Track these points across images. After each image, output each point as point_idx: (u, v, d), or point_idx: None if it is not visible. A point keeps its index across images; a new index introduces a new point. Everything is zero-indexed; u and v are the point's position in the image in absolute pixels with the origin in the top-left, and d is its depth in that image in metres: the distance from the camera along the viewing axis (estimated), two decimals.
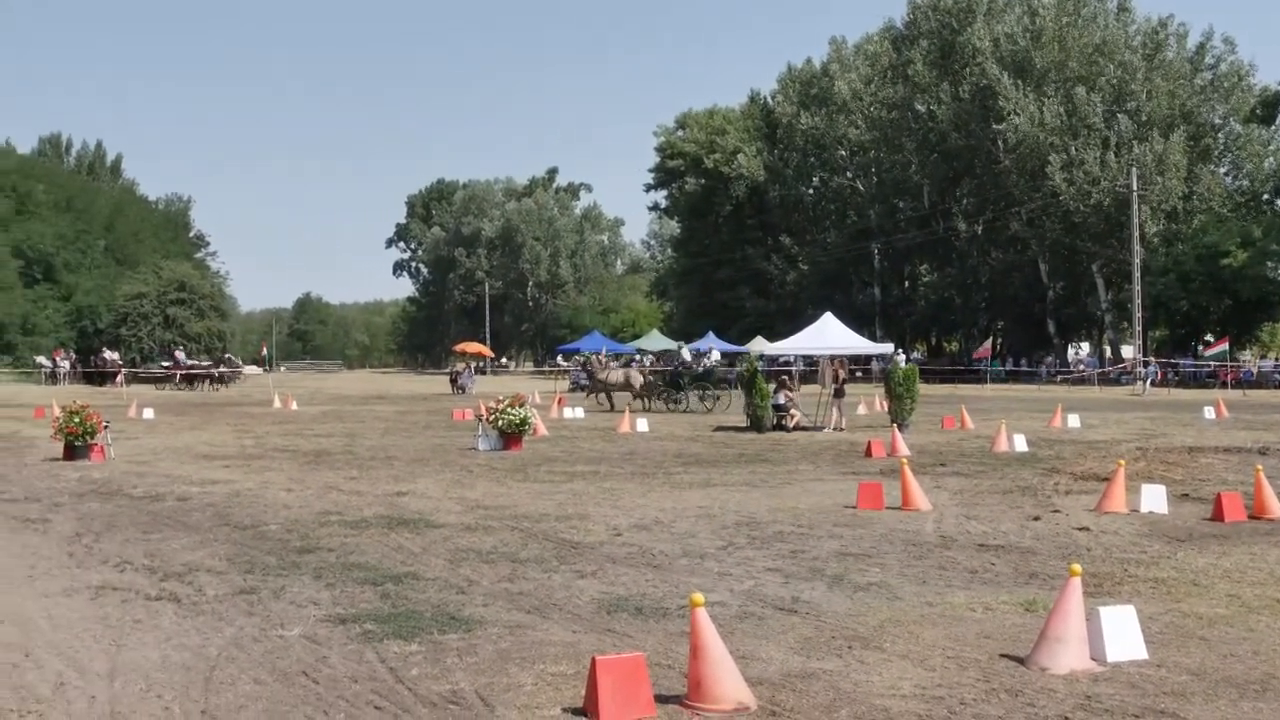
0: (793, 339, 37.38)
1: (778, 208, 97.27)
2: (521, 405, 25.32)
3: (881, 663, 7.93)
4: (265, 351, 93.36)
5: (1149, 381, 63.66)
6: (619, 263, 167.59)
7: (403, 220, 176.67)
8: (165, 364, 73.43)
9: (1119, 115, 75.65)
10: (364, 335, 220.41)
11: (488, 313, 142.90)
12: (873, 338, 66.75)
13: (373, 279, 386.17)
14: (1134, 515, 14.83)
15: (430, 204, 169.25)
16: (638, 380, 43.71)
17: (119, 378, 69.05)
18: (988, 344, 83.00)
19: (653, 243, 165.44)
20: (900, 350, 46.76)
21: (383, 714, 6.91)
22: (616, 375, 44.85)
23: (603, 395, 44.16)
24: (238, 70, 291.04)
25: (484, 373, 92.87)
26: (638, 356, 61.63)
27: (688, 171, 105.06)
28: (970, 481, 19.00)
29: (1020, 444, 24.78)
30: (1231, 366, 65.83)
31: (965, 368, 77.92)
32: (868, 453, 23.82)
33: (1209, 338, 74.47)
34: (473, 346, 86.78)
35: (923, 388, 33.76)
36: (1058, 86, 77.64)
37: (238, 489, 18.19)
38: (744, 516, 14.99)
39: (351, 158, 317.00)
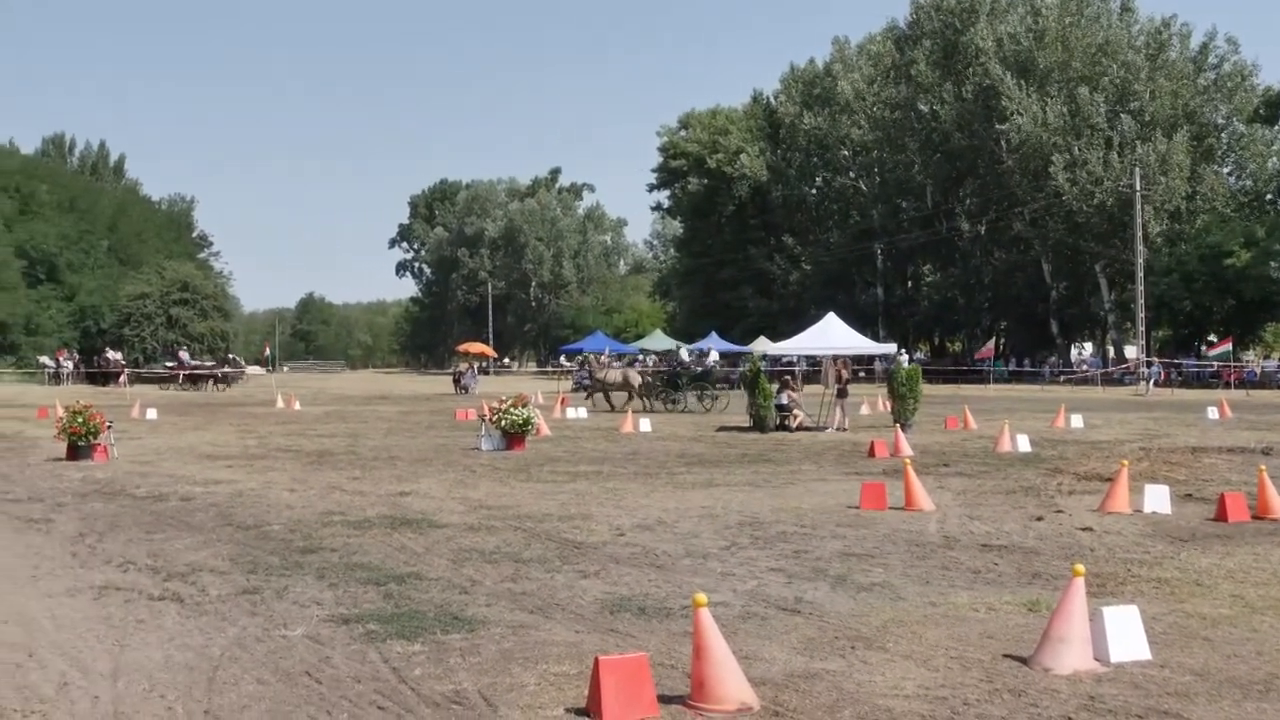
0: (796, 339, 37.38)
1: (781, 208, 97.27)
2: (524, 405, 25.32)
3: (885, 663, 7.92)
4: (268, 352, 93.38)
5: (1152, 382, 63.66)
6: (622, 263, 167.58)
7: (405, 220, 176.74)
8: (170, 364, 73.50)
9: (1122, 115, 75.64)
10: (367, 335, 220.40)
11: (490, 313, 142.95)
12: (876, 338, 66.74)
13: (376, 279, 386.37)
14: (1137, 515, 14.82)
15: (433, 204, 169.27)
16: (636, 380, 43.73)
17: (122, 378, 69.10)
18: (991, 344, 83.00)
19: (655, 243, 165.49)
20: (903, 350, 46.76)
21: (386, 714, 6.91)
22: (615, 375, 44.88)
23: (602, 395, 44.17)
24: (241, 70, 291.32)
25: (487, 373, 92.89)
26: (641, 356, 61.70)
27: (690, 171, 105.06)
28: (973, 482, 18.99)
29: (1023, 444, 24.76)
30: (1235, 367, 65.81)
31: (968, 368, 77.91)
32: (871, 453, 23.81)
33: (1212, 338, 74.47)
34: (476, 347, 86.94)
35: (926, 388, 33.74)
36: (1061, 86, 77.63)
37: (241, 489, 18.20)
38: (747, 516, 14.99)
39: (354, 158, 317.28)
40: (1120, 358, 79.29)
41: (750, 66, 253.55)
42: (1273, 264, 67.99)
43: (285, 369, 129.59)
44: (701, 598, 7.03)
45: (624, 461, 22.81)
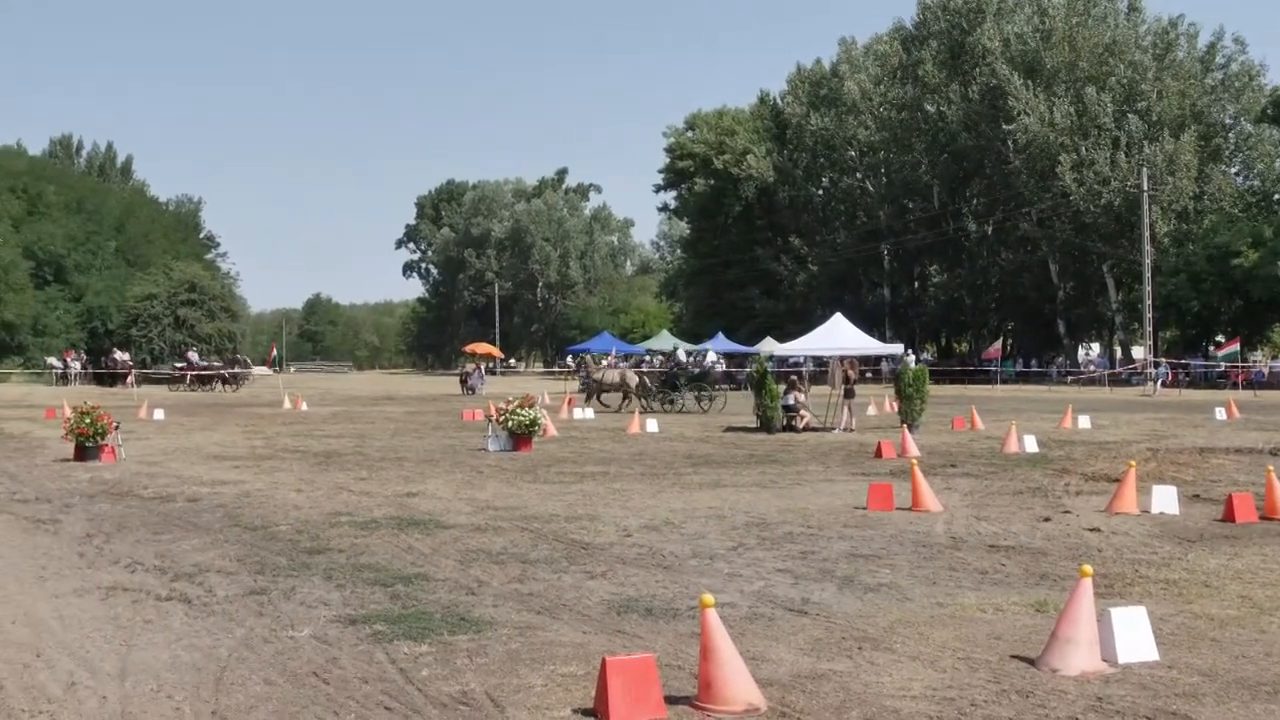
0: (803, 339, 37.37)
1: (787, 208, 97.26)
2: (531, 406, 25.32)
3: (892, 664, 7.92)
4: (275, 352, 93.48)
5: (1159, 382, 63.57)
6: (628, 263, 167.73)
7: (412, 221, 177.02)
8: (179, 365, 73.62)
9: (1129, 115, 75.57)
10: (374, 336, 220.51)
11: (497, 313, 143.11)
12: (882, 338, 66.75)
13: (382, 280, 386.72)
14: (1145, 516, 14.80)
15: (440, 205, 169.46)
16: (633, 380, 43.79)
17: (129, 378, 69.21)
18: (998, 344, 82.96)
19: (662, 243, 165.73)
20: (910, 351, 46.80)
21: (393, 715, 6.91)
22: (612, 376, 44.92)
23: (603, 395, 44.20)
24: (250, 71, 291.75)
25: (494, 374, 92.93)
26: (647, 357, 61.69)
27: (697, 172, 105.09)
28: (980, 482, 18.97)
29: (1030, 445, 24.74)
30: (1242, 367, 65.74)
31: (975, 368, 77.89)
32: (878, 453, 23.79)
33: (1220, 338, 74.38)
34: (482, 347, 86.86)
35: (932, 388, 33.72)
36: (1068, 87, 77.57)
37: (248, 490, 18.21)
38: (754, 517, 14.98)
39: (361, 158, 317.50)
40: (1127, 358, 79.26)
41: (757, 67, 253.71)
42: None
43: (292, 370, 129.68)
44: (709, 598, 7.02)
45: (631, 462, 22.81)
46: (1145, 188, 70.10)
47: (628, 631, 8.90)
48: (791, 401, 31.57)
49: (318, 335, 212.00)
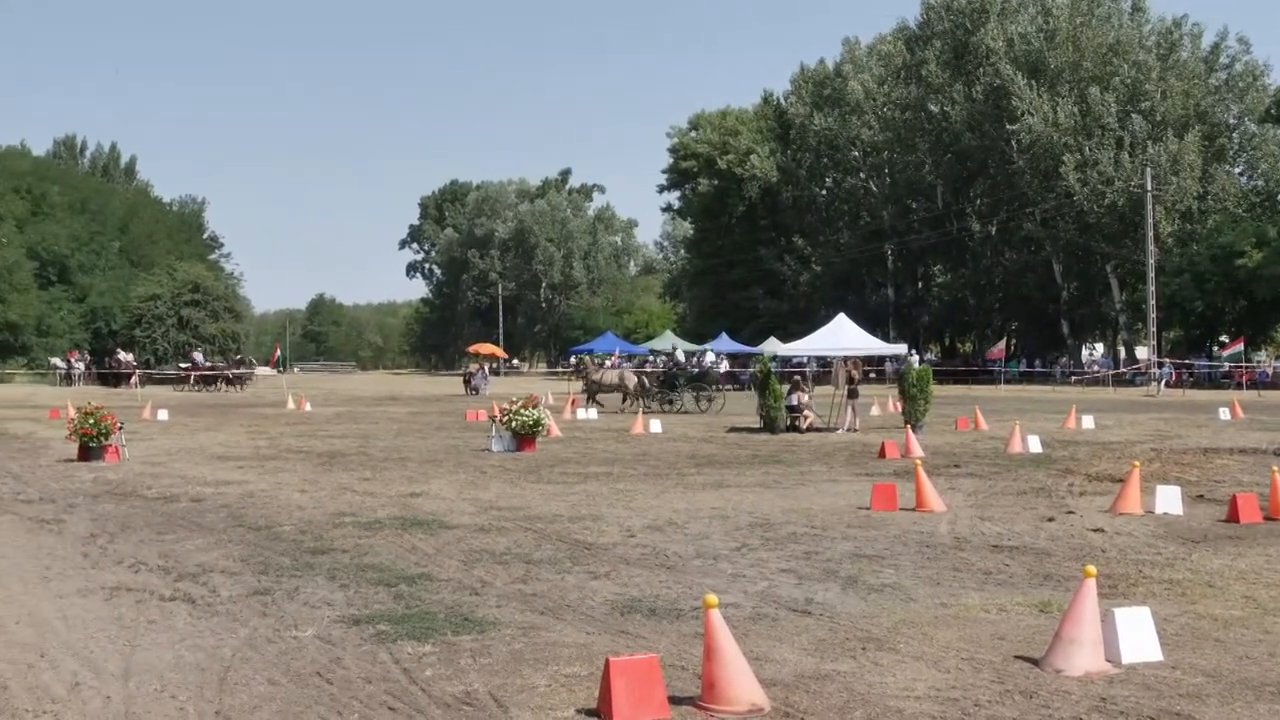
0: (806, 340, 37.39)
1: (791, 208, 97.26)
2: (535, 406, 25.33)
3: (896, 664, 7.92)
4: (279, 353, 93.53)
5: (1163, 382, 63.54)
6: (632, 264, 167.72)
7: (416, 221, 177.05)
8: (184, 365, 73.66)
9: (1133, 115, 75.47)
10: (377, 336, 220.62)
11: (501, 314, 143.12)
12: (886, 338, 66.72)
13: (386, 280, 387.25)
14: (1149, 517, 14.79)
15: (443, 205, 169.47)
16: (631, 381, 43.86)
17: (133, 379, 69.26)
18: (1001, 345, 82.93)
19: (666, 244, 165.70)
20: (914, 351, 46.78)
21: (396, 715, 6.92)
22: (610, 377, 44.95)
23: (601, 396, 44.25)
24: (251, 71, 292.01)
25: (497, 374, 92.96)
26: (651, 357, 61.74)
27: (701, 172, 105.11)
28: (984, 483, 18.96)
29: (1034, 445, 24.73)
30: (1247, 367, 65.67)
31: (979, 368, 77.89)
32: (881, 454, 23.78)
33: (1224, 338, 74.29)
34: (486, 348, 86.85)
35: (936, 389, 33.70)
36: (1072, 86, 77.50)
37: (252, 490, 18.22)
38: (757, 518, 14.99)
39: (364, 159, 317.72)
40: (1131, 358, 79.23)
41: (760, 67, 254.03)
42: None
43: (296, 370, 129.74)
44: (712, 599, 7.02)
45: (634, 463, 22.81)
46: (1149, 188, 70.00)
47: (631, 632, 8.91)
48: (795, 402, 31.56)
49: (321, 336, 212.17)
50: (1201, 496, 16.76)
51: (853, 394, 31.98)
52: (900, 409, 32.74)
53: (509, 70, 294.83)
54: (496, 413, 25.81)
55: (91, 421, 22.98)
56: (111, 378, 72.57)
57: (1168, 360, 70.61)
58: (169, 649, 8.47)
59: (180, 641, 8.69)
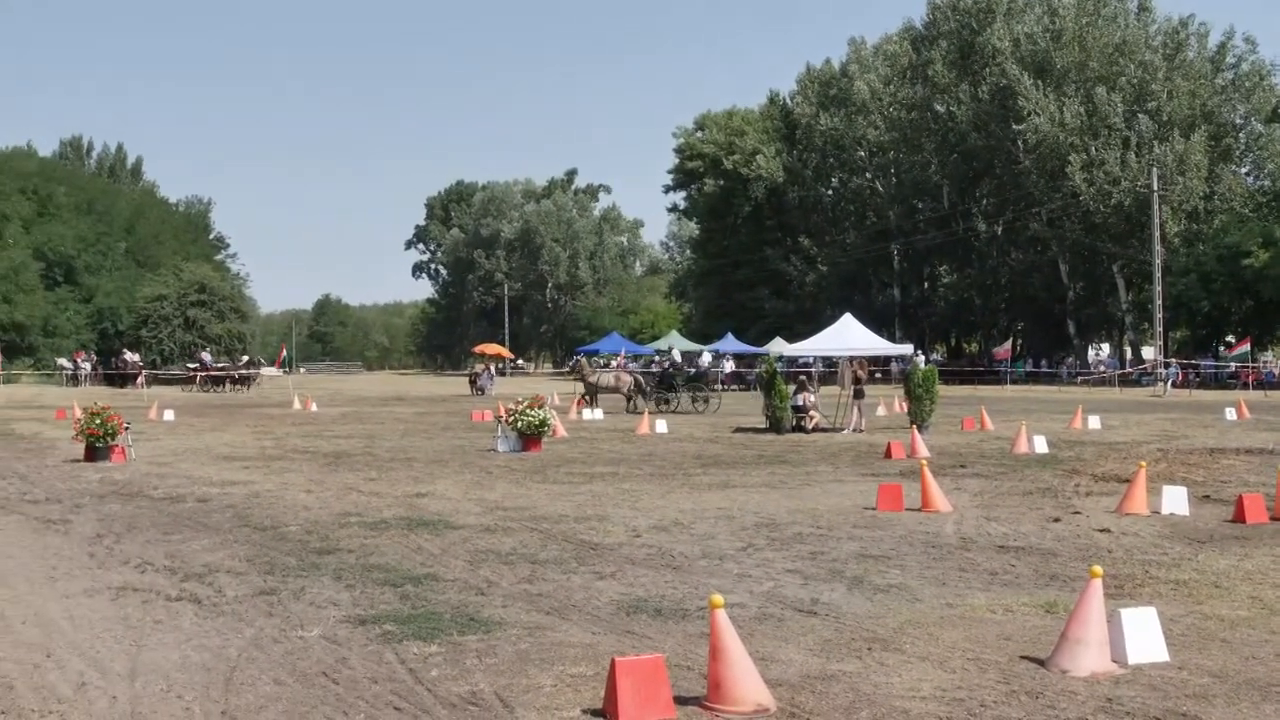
0: (812, 340, 37.38)
1: (797, 209, 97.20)
2: (540, 407, 25.33)
3: (901, 664, 7.91)
4: (285, 353, 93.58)
5: (1170, 382, 63.47)
6: (638, 264, 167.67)
7: (422, 222, 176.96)
8: (191, 365, 73.73)
9: (1139, 115, 75.41)
10: (383, 337, 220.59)
11: (507, 314, 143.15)
12: (892, 339, 66.68)
13: (392, 281, 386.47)
14: (1155, 517, 14.78)
15: (449, 205, 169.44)
16: (627, 382, 43.96)
17: (139, 379, 69.36)
18: (1007, 345, 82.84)
19: (672, 244, 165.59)
20: (920, 351, 46.69)
21: (402, 715, 6.92)
22: (607, 378, 45.05)
23: (599, 396, 44.32)
24: (258, 71, 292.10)
25: (503, 374, 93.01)
26: (656, 358, 61.80)
27: (706, 173, 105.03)
28: (990, 483, 18.95)
29: (1040, 445, 24.72)
30: (1253, 367, 65.59)
31: (985, 369, 77.77)
32: (887, 454, 23.78)
33: (1230, 338, 74.21)
34: (492, 348, 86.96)
35: (942, 389, 33.65)
36: (1078, 86, 77.43)
37: (258, 490, 18.25)
38: (763, 518, 14.99)
39: (371, 160, 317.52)
40: (1138, 358, 79.10)
41: (766, 67, 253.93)
42: None
43: (302, 370, 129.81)
44: (718, 599, 7.02)
45: (640, 463, 22.82)
46: (1155, 188, 69.95)
47: (637, 632, 8.91)
48: (801, 402, 31.56)
49: (327, 336, 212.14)
50: (1208, 497, 16.74)
51: (858, 394, 31.97)
52: (906, 409, 32.73)
53: (515, 70, 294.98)
54: (502, 413, 25.82)
55: (98, 422, 23.01)
56: (118, 378, 72.62)
57: (1174, 360, 70.55)
58: (175, 649, 8.48)
59: (186, 641, 8.70)
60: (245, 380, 71.28)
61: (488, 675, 7.68)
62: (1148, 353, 77.76)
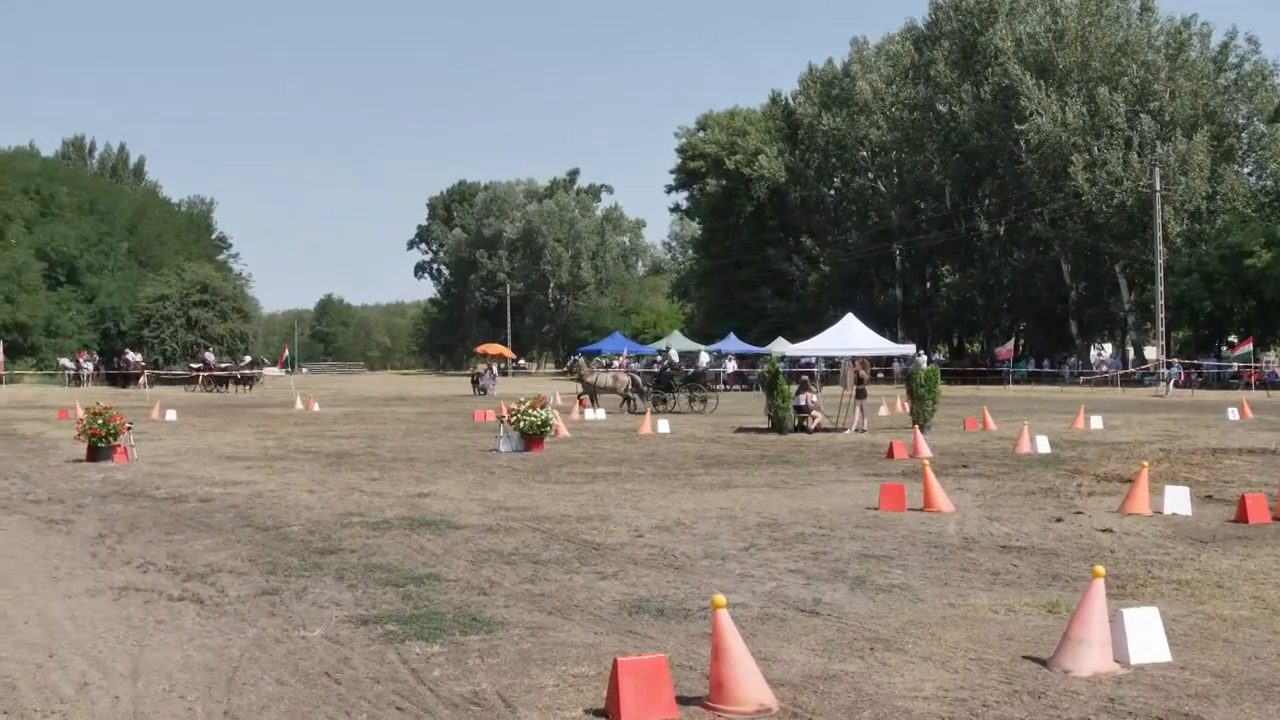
0: (815, 340, 37.40)
1: (799, 209, 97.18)
2: (543, 407, 25.34)
3: (904, 664, 7.91)
4: (287, 353, 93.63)
5: (1172, 382, 63.45)
6: (640, 264, 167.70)
7: (424, 222, 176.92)
8: (195, 365, 73.75)
9: (1142, 115, 75.38)
10: (385, 337, 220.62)
11: (509, 314, 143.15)
12: (894, 339, 66.69)
13: (394, 281, 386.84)
14: (1157, 517, 14.77)
15: (451, 205, 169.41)
16: (624, 382, 44.05)
17: (142, 379, 69.38)
18: (1010, 345, 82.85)
19: (674, 244, 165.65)
20: (922, 351, 46.76)
21: (404, 715, 6.92)
22: (605, 378, 45.11)
23: (600, 397, 44.35)
24: (259, 71, 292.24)
25: (505, 374, 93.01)
26: (659, 358, 61.80)
27: (709, 173, 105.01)
28: (992, 483, 18.94)
29: (1043, 445, 24.70)
30: (1255, 367, 65.57)
31: (987, 369, 77.78)
32: (889, 454, 23.77)
33: (1233, 339, 74.19)
34: (494, 348, 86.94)
35: (944, 389, 33.65)
36: (1080, 86, 77.40)
37: (260, 490, 18.25)
38: (765, 518, 14.98)
39: (373, 159, 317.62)
40: (1140, 358, 79.09)
41: (768, 67, 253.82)
42: None
43: (304, 370, 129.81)
44: (720, 599, 7.02)
45: (642, 463, 22.82)
46: (1158, 188, 69.94)
47: (639, 632, 8.91)
48: (803, 402, 31.56)
49: (329, 336, 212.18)
50: (1210, 497, 16.73)
51: (861, 394, 31.96)
52: (908, 409, 32.73)
53: (516, 70, 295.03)
54: (504, 413, 25.82)
55: (100, 422, 23.01)
56: (120, 378, 72.68)
57: (1176, 360, 70.53)
58: (177, 649, 8.48)
59: (188, 641, 8.71)
60: (249, 380, 71.29)
61: (490, 675, 7.68)
62: (1150, 353, 77.76)
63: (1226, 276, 69.23)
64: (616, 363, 62.26)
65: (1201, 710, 6.90)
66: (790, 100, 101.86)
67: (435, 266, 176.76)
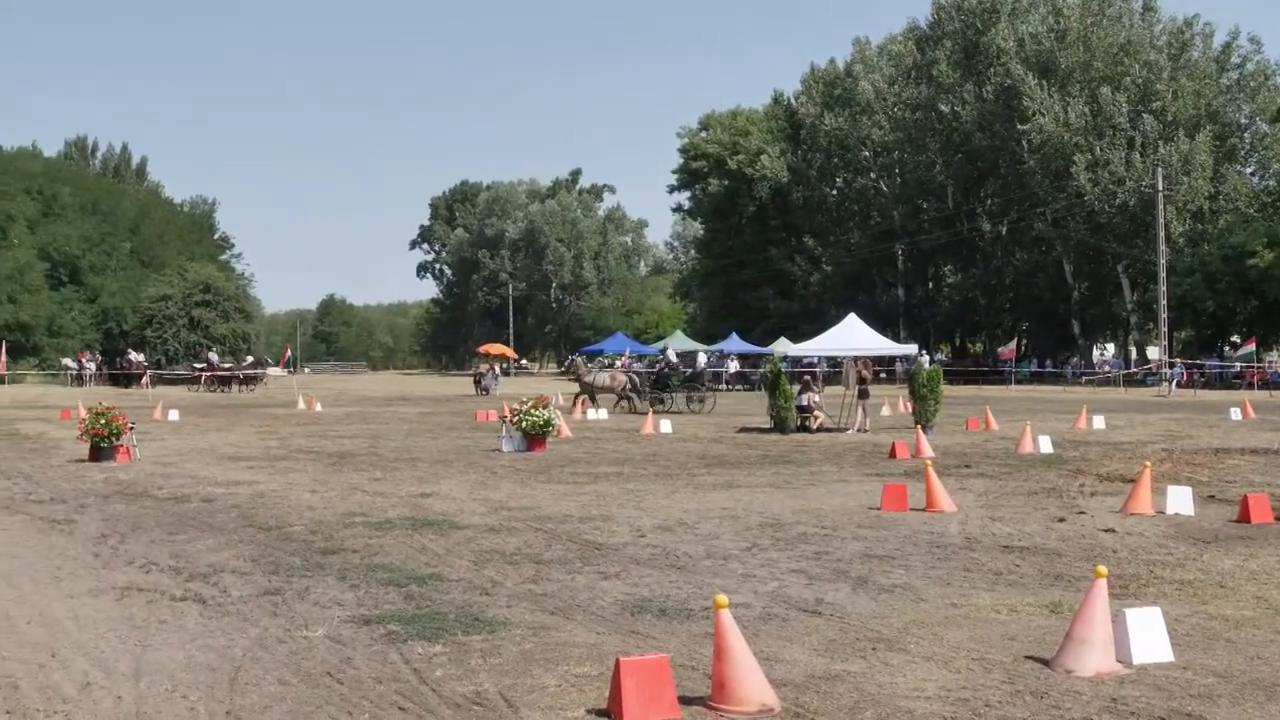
0: (817, 340, 37.39)
1: (801, 209, 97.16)
2: (545, 407, 25.34)
3: (906, 665, 7.91)
4: (289, 353, 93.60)
5: (1174, 382, 63.39)
6: (642, 264, 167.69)
7: (426, 222, 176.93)
8: (198, 365, 73.74)
9: (1144, 115, 75.36)
10: (388, 337, 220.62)
11: (511, 314, 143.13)
12: (897, 339, 66.66)
13: (396, 280, 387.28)
14: (1159, 517, 14.76)
15: (454, 205, 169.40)
16: (621, 381, 44.12)
17: (144, 379, 69.39)
18: (1012, 345, 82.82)
19: (676, 244, 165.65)
20: (924, 351, 46.75)
21: (407, 715, 6.92)
22: (602, 378, 45.18)
23: (602, 397, 44.38)
24: (260, 71, 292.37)
25: (508, 374, 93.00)
26: (662, 358, 61.80)
27: (711, 173, 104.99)
28: (995, 483, 18.93)
29: (1045, 445, 24.69)
30: (1258, 367, 65.53)
31: (990, 369, 77.74)
32: (892, 454, 23.76)
33: (1235, 338, 74.13)
34: (496, 348, 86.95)
35: (947, 389, 33.66)
36: (1082, 86, 77.39)
37: (262, 490, 18.25)
38: (768, 518, 14.98)
39: (375, 159, 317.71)
40: (1142, 358, 79.05)
41: (770, 67, 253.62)
42: None
43: (307, 370, 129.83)
44: (722, 599, 7.02)
45: (644, 463, 22.82)
46: (1160, 188, 69.90)
47: (641, 632, 8.91)
48: (805, 402, 31.55)
49: (332, 336, 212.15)
50: (1213, 497, 16.72)
51: (863, 394, 31.95)
52: (911, 409, 32.73)
53: (518, 70, 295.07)
54: (507, 413, 25.83)
55: (103, 422, 23.03)
56: (122, 378, 72.71)
57: (1179, 360, 70.47)
58: (180, 649, 8.48)
59: (191, 641, 8.71)
60: (252, 381, 71.30)
61: (492, 675, 7.68)
62: (1152, 353, 77.69)
63: (1229, 276, 69.18)
64: (619, 363, 62.21)
65: (1204, 710, 6.90)
66: (792, 100, 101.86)
67: (437, 266, 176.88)
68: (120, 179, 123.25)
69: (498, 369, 73.69)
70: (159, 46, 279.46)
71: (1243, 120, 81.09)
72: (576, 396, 43.69)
